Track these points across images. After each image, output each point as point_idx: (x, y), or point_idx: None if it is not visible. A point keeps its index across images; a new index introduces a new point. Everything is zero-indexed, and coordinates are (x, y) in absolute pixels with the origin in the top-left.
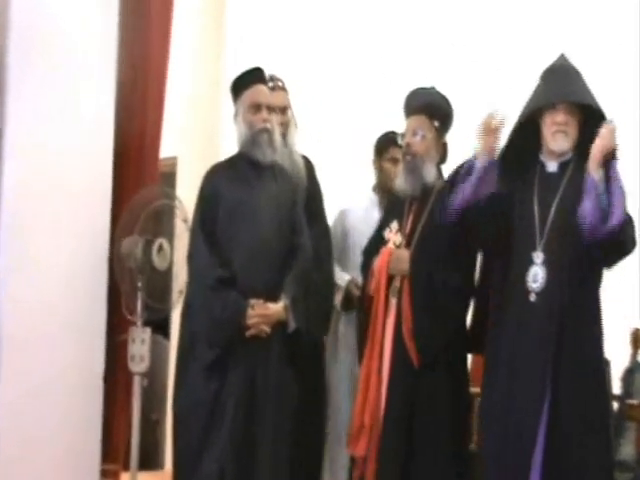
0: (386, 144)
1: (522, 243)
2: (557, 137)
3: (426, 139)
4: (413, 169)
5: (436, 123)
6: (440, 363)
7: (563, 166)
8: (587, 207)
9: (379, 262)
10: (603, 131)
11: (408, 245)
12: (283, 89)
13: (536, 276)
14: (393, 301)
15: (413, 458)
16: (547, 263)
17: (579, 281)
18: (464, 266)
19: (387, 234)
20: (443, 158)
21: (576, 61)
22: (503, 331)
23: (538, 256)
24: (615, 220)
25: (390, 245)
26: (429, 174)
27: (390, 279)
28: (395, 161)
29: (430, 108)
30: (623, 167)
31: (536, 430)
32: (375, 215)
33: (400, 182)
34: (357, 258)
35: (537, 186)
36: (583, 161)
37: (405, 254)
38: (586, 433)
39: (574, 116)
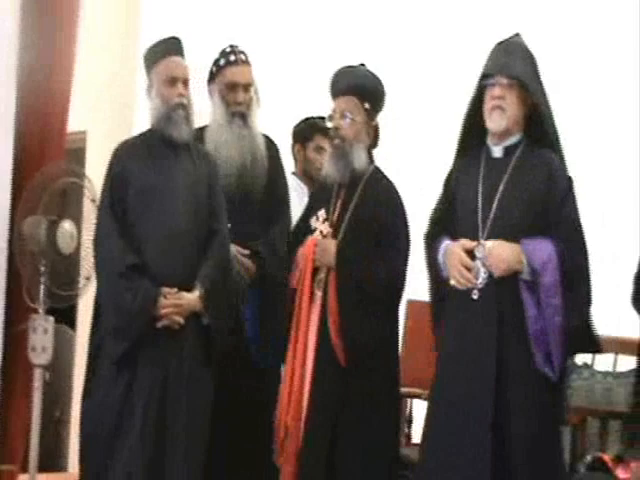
0: (310, 132)
1: (465, 232)
2: (493, 114)
3: (356, 122)
4: (341, 154)
5: (367, 105)
6: (368, 361)
7: (509, 151)
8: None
9: (303, 252)
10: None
11: (335, 235)
12: (247, 63)
13: (478, 272)
14: (318, 294)
15: (338, 463)
16: None
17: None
18: (396, 257)
19: (314, 223)
20: (374, 142)
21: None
22: (448, 330)
23: (480, 250)
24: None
25: (316, 235)
26: (359, 159)
27: (315, 270)
28: (321, 150)
29: (360, 89)
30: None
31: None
32: (298, 201)
33: (328, 168)
34: None
35: (482, 173)
36: (532, 147)
37: (332, 244)
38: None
39: (513, 92)
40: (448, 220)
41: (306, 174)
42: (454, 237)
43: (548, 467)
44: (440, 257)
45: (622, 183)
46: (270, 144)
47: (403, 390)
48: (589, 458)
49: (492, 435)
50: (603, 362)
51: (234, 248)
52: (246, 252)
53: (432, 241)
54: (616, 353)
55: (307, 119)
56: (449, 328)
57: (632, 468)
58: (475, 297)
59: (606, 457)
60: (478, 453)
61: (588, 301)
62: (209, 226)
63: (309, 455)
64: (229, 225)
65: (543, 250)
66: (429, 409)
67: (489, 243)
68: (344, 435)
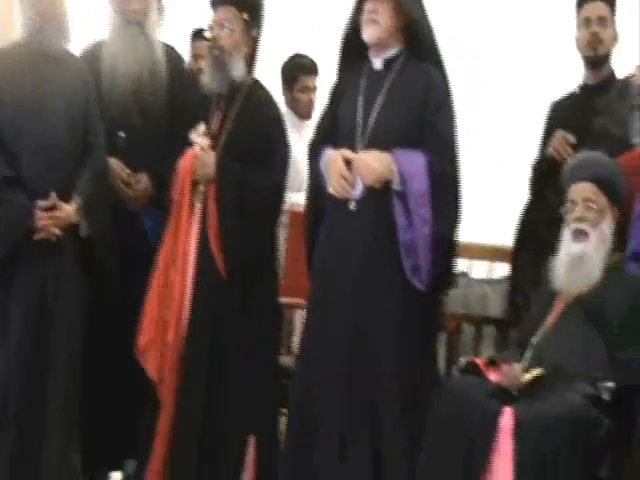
0: (294, 73)
1: (344, 146)
2: (367, 26)
3: (234, 33)
4: (220, 65)
5: (245, 15)
6: (248, 271)
7: (389, 63)
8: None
9: (183, 165)
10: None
11: (215, 148)
12: None
13: (355, 182)
14: (198, 206)
15: (219, 373)
16: None
17: None
18: (275, 167)
19: (193, 136)
20: (254, 54)
21: None
22: (325, 240)
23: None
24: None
25: (196, 148)
26: (237, 70)
27: (195, 183)
28: (306, 89)
29: None
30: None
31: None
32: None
33: (206, 79)
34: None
35: (363, 85)
36: (412, 59)
37: (210, 157)
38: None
39: (386, 5)
40: (331, 130)
41: (297, 114)
42: (336, 147)
43: (418, 374)
44: (322, 166)
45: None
46: (172, 54)
47: (284, 300)
48: (462, 362)
49: (361, 346)
50: (479, 270)
51: (114, 164)
52: (125, 173)
53: (315, 150)
54: (491, 261)
55: (293, 57)
56: (326, 238)
57: (502, 370)
58: (352, 208)
59: (479, 361)
60: (345, 364)
61: (457, 212)
62: (85, 139)
63: (190, 366)
64: (123, 134)
65: (413, 160)
66: (305, 320)
67: (362, 152)
68: (224, 344)
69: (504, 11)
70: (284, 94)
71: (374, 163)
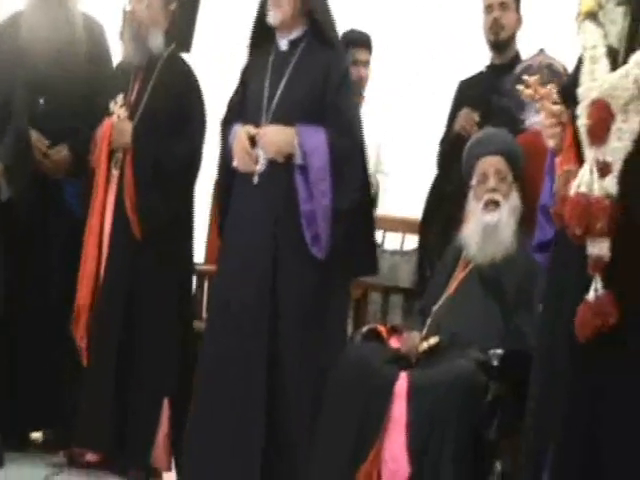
0: (344, 44)
1: (251, 122)
2: (272, 10)
3: (152, 6)
4: (138, 38)
5: None
6: (164, 237)
7: (294, 44)
8: None
9: (100, 134)
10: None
11: (132, 117)
12: None
13: (258, 157)
14: (115, 173)
15: (132, 333)
16: None
17: None
18: (193, 136)
19: (112, 106)
20: (172, 26)
21: None
22: (231, 214)
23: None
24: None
25: (114, 117)
26: (155, 42)
27: (113, 152)
28: (356, 63)
29: None
30: None
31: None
32: None
33: (125, 52)
34: None
35: (270, 64)
36: (315, 41)
37: (127, 126)
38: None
39: None
40: (240, 108)
41: None
42: (245, 124)
43: (323, 339)
44: (231, 141)
45: None
46: (92, 25)
47: (203, 267)
48: (365, 329)
49: (266, 314)
50: (392, 241)
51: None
52: (44, 146)
53: (225, 126)
54: (403, 233)
55: (349, 30)
56: (232, 212)
57: (403, 337)
58: (255, 182)
59: (381, 328)
60: (254, 334)
61: (357, 186)
62: (5, 106)
63: (103, 327)
64: (42, 102)
65: (315, 136)
66: (213, 288)
67: (265, 127)
68: (138, 306)
69: None
70: None
71: (276, 137)
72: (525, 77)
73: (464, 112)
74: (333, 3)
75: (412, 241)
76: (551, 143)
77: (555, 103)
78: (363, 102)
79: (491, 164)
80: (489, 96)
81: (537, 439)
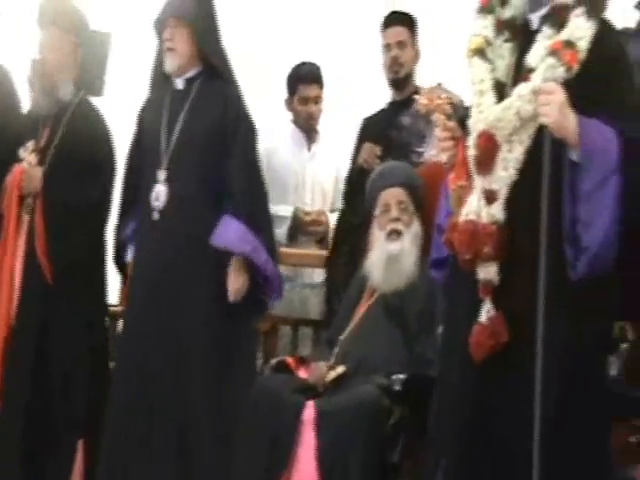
0: (293, 83)
1: (149, 161)
2: (167, 56)
3: (62, 55)
4: (47, 87)
5: (72, 37)
6: (75, 280)
7: (190, 82)
8: None
9: (10, 180)
10: None
11: (42, 163)
12: None
13: (159, 194)
14: (26, 218)
15: (44, 378)
16: (169, 181)
17: (206, 197)
18: (102, 180)
19: (22, 153)
20: (82, 70)
21: None
22: (136, 251)
23: (161, 174)
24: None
25: (24, 164)
26: (65, 91)
27: (23, 197)
28: (305, 101)
29: (62, 18)
30: None
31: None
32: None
33: (35, 101)
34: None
35: (167, 105)
36: (211, 77)
37: (37, 172)
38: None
39: (182, 31)
40: (140, 150)
41: (298, 125)
42: (143, 165)
43: (230, 373)
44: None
45: None
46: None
47: (117, 309)
48: (274, 361)
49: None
50: (303, 275)
51: None
52: None
53: (130, 173)
54: (314, 267)
55: (298, 65)
56: (136, 249)
57: (311, 368)
58: (156, 218)
59: (289, 359)
60: (162, 373)
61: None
62: None
63: (14, 366)
64: None
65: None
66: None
67: None
68: (50, 347)
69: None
70: (287, 106)
71: None
72: (416, 97)
73: (366, 146)
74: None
75: (322, 274)
76: (444, 157)
77: (449, 117)
78: (318, 137)
79: (393, 195)
80: (389, 131)
81: (433, 456)
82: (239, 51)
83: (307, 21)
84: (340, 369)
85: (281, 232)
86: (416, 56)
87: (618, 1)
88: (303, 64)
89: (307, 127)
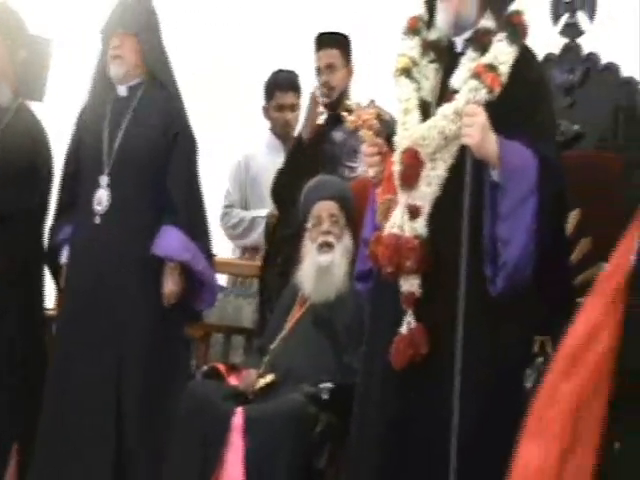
0: (270, 90)
1: (90, 167)
2: (113, 62)
3: None
4: None
5: (9, 41)
6: (10, 284)
7: (133, 90)
8: None
9: None
10: None
11: None
12: None
13: (101, 199)
14: None
15: None
16: (112, 186)
17: (147, 204)
18: (40, 186)
19: None
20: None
21: None
22: (72, 255)
23: (104, 179)
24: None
25: None
26: (2, 96)
27: None
28: (281, 108)
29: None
30: None
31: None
32: (279, 160)
33: None
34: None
35: (109, 111)
36: (154, 86)
37: None
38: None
39: (129, 41)
40: (78, 157)
41: (274, 132)
42: (81, 173)
43: (165, 379)
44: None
45: None
46: None
47: (53, 313)
48: (205, 368)
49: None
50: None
51: None
52: None
53: (65, 180)
54: (247, 276)
55: (276, 72)
56: (73, 252)
57: (242, 375)
58: (97, 222)
59: (220, 366)
60: (98, 381)
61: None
62: None
63: None
64: None
65: None
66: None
67: None
68: None
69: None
70: (264, 113)
71: None
72: (344, 114)
73: None
74: None
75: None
76: (371, 172)
77: (377, 133)
78: None
79: (325, 208)
80: (323, 145)
81: (353, 462)
82: (223, 61)
83: (287, 30)
84: (269, 377)
85: (257, 234)
86: (348, 74)
87: (543, 27)
88: (280, 71)
89: (283, 134)
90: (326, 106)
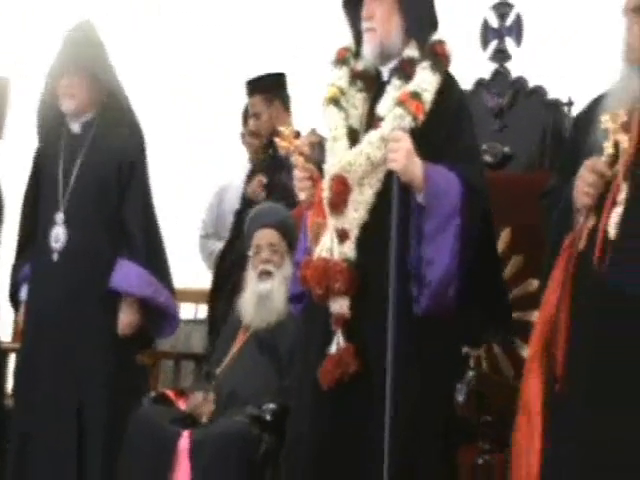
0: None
1: (46, 205)
2: (64, 100)
3: None
4: None
5: None
6: None
7: (86, 127)
8: None
9: None
10: None
11: None
12: None
13: (58, 236)
14: None
15: None
16: (68, 223)
17: (104, 240)
18: None
19: None
20: None
21: None
22: (31, 291)
23: (60, 216)
24: None
25: None
26: None
27: None
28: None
29: None
30: None
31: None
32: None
33: None
34: None
35: (63, 148)
36: (108, 123)
37: None
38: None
39: (82, 79)
40: (36, 196)
41: (251, 161)
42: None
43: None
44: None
45: None
46: None
47: (9, 345)
48: (153, 394)
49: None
50: (186, 311)
51: None
52: None
53: (26, 219)
54: (197, 303)
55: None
56: (32, 288)
57: (189, 398)
58: (55, 259)
59: (169, 392)
60: (61, 411)
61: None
62: None
63: None
64: None
65: None
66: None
67: None
68: None
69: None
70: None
71: None
72: (276, 139)
73: (257, 179)
74: None
75: (204, 310)
76: (302, 196)
77: (307, 159)
78: None
79: (264, 237)
80: (279, 174)
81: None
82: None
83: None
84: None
85: None
86: (277, 113)
87: (473, 52)
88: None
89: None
90: (257, 151)
